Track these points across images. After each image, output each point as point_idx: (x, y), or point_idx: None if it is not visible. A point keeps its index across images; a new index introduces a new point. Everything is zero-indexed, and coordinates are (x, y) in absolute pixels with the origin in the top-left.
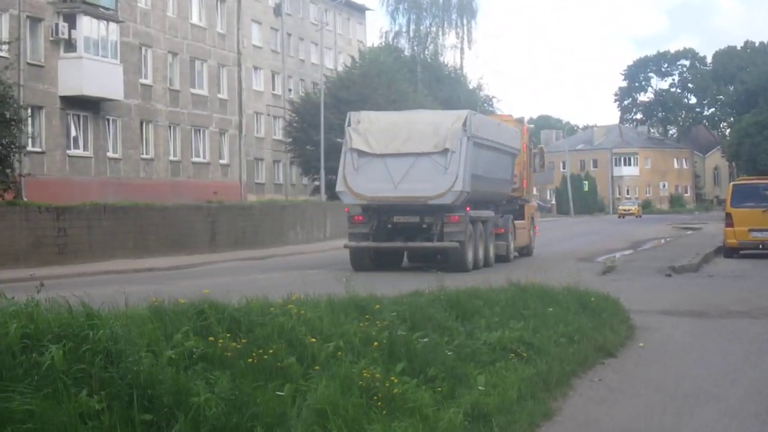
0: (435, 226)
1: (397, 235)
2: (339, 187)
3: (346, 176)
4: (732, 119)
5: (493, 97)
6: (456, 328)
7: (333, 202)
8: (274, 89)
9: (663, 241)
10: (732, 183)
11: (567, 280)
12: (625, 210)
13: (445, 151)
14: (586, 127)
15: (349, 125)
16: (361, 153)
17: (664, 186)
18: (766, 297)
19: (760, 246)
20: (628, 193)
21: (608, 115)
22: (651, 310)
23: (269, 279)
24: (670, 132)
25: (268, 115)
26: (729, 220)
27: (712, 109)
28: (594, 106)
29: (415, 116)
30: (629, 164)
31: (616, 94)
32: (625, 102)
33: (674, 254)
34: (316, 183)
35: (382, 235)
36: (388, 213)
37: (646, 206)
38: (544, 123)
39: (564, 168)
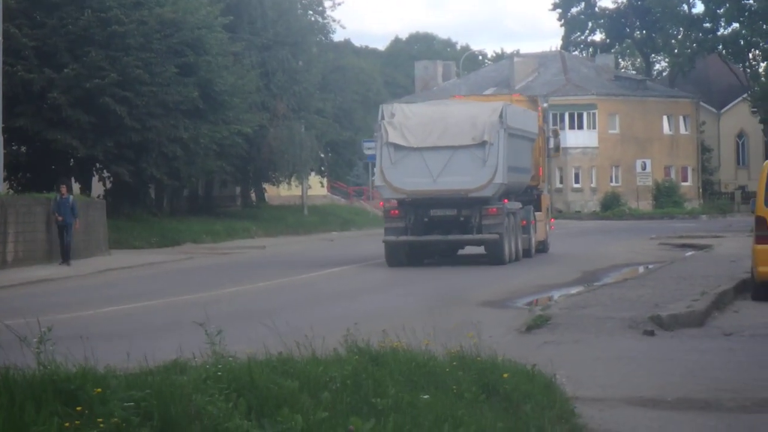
0: (473, 218)
1: (434, 228)
2: (378, 182)
3: (384, 171)
4: None
5: None
6: (247, 431)
7: (23, 196)
8: None
9: (641, 269)
10: None
11: (458, 340)
12: None
13: (483, 143)
14: (499, 57)
15: (383, 119)
16: (397, 147)
17: (644, 167)
18: None
19: None
20: (577, 180)
21: (541, 34)
22: (615, 399)
23: None
24: (656, 67)
25: None
26: (763, 231)
27: (734, 25)
28: (515, 19)
29: (450, 108)
30: (580, 126)
31: None
32: (573, 10)
33: (660, 294)
34: None
35: (419, 228)
36: (426, 206)
37: (611, 205)
38: (423, 47)
39: None
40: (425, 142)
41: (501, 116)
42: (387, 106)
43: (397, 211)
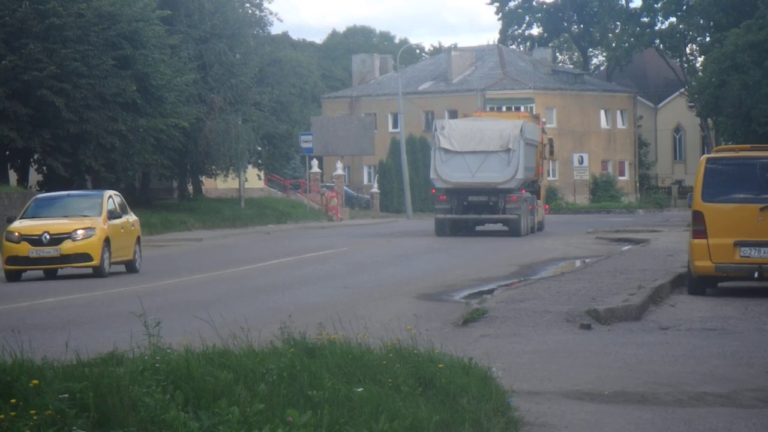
0: (499, 203)
1: (470, 210)
2: (432, 175)
3: (437, 168)
4: (707, 37)
5: None
6: (184, 423)
7: None
8: None
9: (578, 263)
10: (706, 156)
11: (395, 333)
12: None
13: (508, 150)
14: (437, 50)
15: (436, 130)
16: (447, 151)
17: (581, 161)
18: (764, 368)
19: (756, 274)
20: None
21: (478, 28)
22: (552, 392)
23: None
24: (594, 62)
25: None
26: (700, 226)
27: (671, 20)
28: (452, 12)
29: (485, 123)
30: None
31: None
32: (511, 4)
33: (597, 288)
34: None
35: (459, 210)
36: (465, 194)
37: (548, 199)
38: (361, 40)
39: (396, 126)
40: (466, 148)
41: (521, 130)
42: (438, 121)
43: (444, 197)
